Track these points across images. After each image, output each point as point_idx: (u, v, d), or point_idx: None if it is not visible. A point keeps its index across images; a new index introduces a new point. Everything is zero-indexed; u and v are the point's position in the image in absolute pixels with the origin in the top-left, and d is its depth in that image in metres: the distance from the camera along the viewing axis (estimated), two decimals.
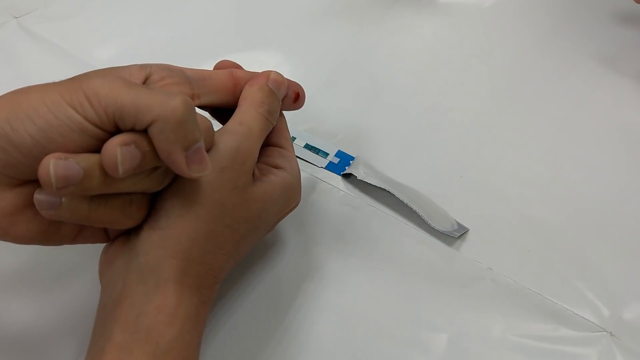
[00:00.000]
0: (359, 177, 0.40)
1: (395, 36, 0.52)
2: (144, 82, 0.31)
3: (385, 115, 0.46)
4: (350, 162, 0.42)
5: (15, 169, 0.25)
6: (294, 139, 0.43)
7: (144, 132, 0.26)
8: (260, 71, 0.36)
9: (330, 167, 0.42)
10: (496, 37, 0.52)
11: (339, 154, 0.43)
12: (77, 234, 0.29)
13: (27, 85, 0.26)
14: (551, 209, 0.40)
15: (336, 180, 0.42)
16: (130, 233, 0.29)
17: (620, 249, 0.38)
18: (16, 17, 0.52)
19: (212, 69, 0.36)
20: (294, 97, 0.36)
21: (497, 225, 0.39)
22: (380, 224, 0.39)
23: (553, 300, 0.36)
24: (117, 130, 0.26)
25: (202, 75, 0.33)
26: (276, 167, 0.34)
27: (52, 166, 0.24)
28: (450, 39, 0.52)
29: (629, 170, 0.42)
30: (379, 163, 0.42)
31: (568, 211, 0.40)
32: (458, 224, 0.39)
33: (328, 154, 0.43)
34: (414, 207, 0.38)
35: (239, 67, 0.36)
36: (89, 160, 0.25)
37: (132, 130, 0.26)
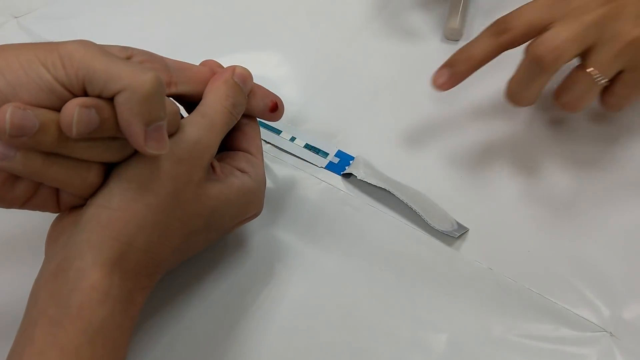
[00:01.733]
0: (359, 177, 0.40)
1: (396, 36, 0.52)
2: None
3: (385, 115, 0.46)
4: (350, 162, 0.42)
5: None
6: (293, 139, 0.44)
7: (110, 100, 0.26)
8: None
9: (330, 167, 0.42)
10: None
11: (339, 154, 0.43)
12: (29, 198, 0.29)
13: None
14: (551, 209, 0.40)
15: (336, 180, 0.42)
16: (81, 208, 0.30)
17: (620, 249, 0.38)
18: (16, 17, 0.52)
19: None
20: (271, 106, 0.36)
21: (497, 225, 0.39)
22: (380, 224, 0.39)
23: (553, 300, 0.36)
24: (84, 95, 0.26)
25: (182, 66, 0.34)
26: (240, 171, 0.34)
27: (9, 114, 0.24)
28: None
29: (629, 169, 0.42)
30: (379, 163, 0.42)
31: (568, 211, 0.40)
32: (458, 224, 0.39)
33: (328, 154, 0.43)
34: (414, 207, 0.38)
35: (221, 67, 0.36)
36: (47, 115, 0.26)
37: (99, 96, 0.26)
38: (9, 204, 0.28)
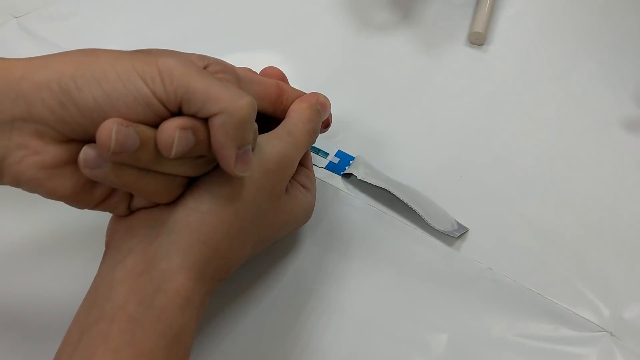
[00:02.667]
0: (359, 177, 0.40)
1: (395, 36, 0.52)
2: None
3: (385, 115, 0.46)
4: (350, 162, 0.42)
5: (67, 126, 0.25)
6: None
7: (203, 120, 0.26)
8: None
9: (330, 167, 0.42)
10: (496, 37, 0.52)
11: (339, 154, 0.43)
12: (102, 201, 0.28)
13: None
14: (551, 209, 0.40)
15: (336, 180, 0.42)
16: (157, 207, 0.29)
17: (620, 249, 0.38)
18: (16, 17, 0.52)
19: (259, 71, 0.36)
20: (325, 124, 0.38)
21: (497, 225, 0.39)
22: (380, 224, 0.39)
23: (553, 300, 0.36)
24: (178, 112, 0.26)
25: (252, 78, 0.34)
26: (303, 186, 0.35)
27: (115, 131, 0.24)
28: (450, 39, 0.52)
29: (629, 170, 0.42)
30: (379, 163, 0.42)
31: (568, 211, 0.40)
32: (458, 224, 0.39)
33: (328, 154, 0.43)
34: (414, 207, 0.38)
35: (285, 78, 0.37)
36: (147, 133, 0.26)
37: (193, 115, 0.26)
38: (84, 206, 0.28)
